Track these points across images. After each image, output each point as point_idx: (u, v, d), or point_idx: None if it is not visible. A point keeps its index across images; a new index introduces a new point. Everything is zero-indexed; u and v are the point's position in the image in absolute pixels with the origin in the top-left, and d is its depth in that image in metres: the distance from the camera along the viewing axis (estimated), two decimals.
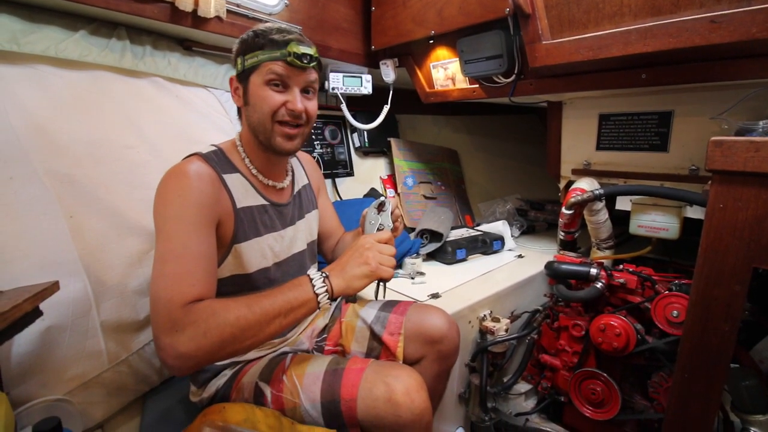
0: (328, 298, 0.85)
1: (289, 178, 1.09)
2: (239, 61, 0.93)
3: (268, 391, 0.94)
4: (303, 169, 1.19)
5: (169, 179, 0.85)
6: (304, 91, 0.95)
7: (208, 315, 0.73)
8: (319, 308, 0.85)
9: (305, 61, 0.91)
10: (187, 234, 0.81)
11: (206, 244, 0.83)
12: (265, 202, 1.00)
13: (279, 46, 0.90)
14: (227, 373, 1.00)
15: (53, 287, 0.84)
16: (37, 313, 0.80)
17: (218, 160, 0.93)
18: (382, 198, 1.04)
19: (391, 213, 1.01)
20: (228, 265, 0.93)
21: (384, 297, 0.99)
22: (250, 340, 0.77)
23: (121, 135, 1.16)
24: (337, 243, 1.28)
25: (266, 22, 1.40)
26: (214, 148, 0.97)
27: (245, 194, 0.95)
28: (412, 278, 1.51)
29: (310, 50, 0.92)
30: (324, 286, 0.84)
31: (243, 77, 0.94)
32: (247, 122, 0.97)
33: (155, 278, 0.78)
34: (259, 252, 0.98)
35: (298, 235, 1.09)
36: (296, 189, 1.11)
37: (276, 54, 0.90)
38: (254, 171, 0.99)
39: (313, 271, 0.88)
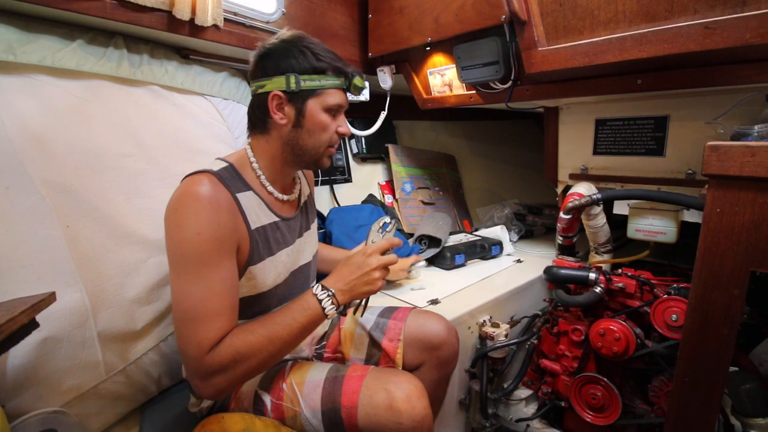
0: (335, 311, 0.91)
1: (297, 189, 1.07)
2: (292, 79, 0.88)
3: (267, 400, 0.94)
4: (306, 179, 1.17)
5: (184, 209, 0.81)
6: None
7: (233, 355, 0.79)
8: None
9: (360, 93, 0.96)
10: (209, 274, 0.80)
11: (229, 278, 0.84)
12: (277, 219, 0.97)
13: (341, 75, 0.92)
14: None
15: (50, 298, 0.82)
16: (33, 325, 0.79)
17: (230, 177, 0.89)
18: (385, 218, 1.03)
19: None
20: (241, 288, 0.91)
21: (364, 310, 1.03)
22: (273, 362, 0.86)
23: (118, 144, 1.15)
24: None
25: (265, 30, 1.41)
26: (224, 164, 0.91)
27: (258, 214, 0.92)
28: (413, 282, 1.51)
29: (365, 83, 0.97)
30: (333, 307, 0.88)
31: (297, 98, 0.90)
32: (290, 142, 0.93)
33: (181, 322, 0.80)
34: (273, 271, 0.96)
35: (306, 247, 1.09)
36: (302, 200, 1.09)
37: (338, 82, 0.92)
38: (269, 187, 0.96)
39: (319, 290, 0.89)
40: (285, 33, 0.94)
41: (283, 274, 0.99)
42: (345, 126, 0.97)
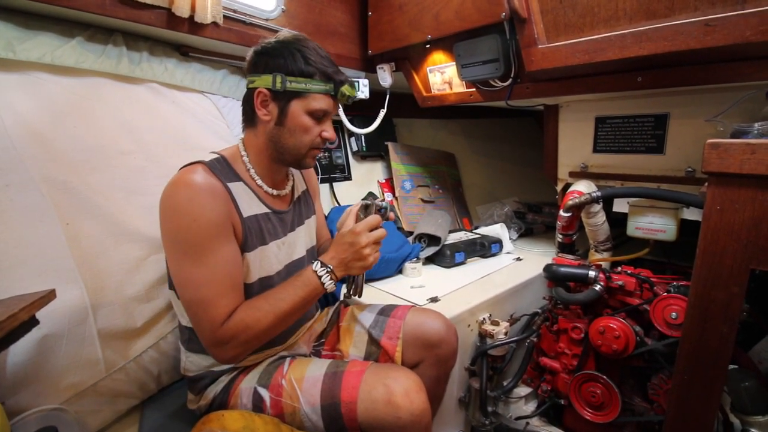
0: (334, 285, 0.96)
1: (289, 185, 1.09)
2: (278, 78, 0.89)
3: (267, 396, 0.94)
4: (301, 175, 1.19)
5: (178, 196, 0.84)
6: None
7: (244, 328, 0.86)
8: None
9: (349, 102, 0.98)
10: (209, 259, 0.84)
11: (230, 260, 0.88)
12: (268, 210, 1.00)
13: (330, 82, 0.93)
14: (224, 380, 1.00)
15: (50, 295, 0.83)
16: (33, 322, 0.79)
17: (221, 168, 0.92)
18: (366, 201, 1.02)
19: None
20: None
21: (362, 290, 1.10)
22: (279, 331, 0.93)
23: (117, 141, 1.15)
24: (321, 246, 1.29)
25: (265, 28, 1.41)
26: (216, 155, 0.95)
27: (249, 203, 0.95)
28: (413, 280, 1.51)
29: (356, 92, 0.98)
30: (332, 281, 0.94)
31: (281, 97, 0.92)
32: (272, 139, 0.95)
33: (192, 302, 0.86)
34: (265, 260, 0.98)
35: (298, 242, 1.10)
36: (296, 195, 1.12)
37: (326, 88, 0.93)
38: (258, 180, 0.99)
39: (318, 267, 0.93)
40: (285, 33, 0.96)
41: (276, 265, 1.02)
42: (330, 131, 0.98)
